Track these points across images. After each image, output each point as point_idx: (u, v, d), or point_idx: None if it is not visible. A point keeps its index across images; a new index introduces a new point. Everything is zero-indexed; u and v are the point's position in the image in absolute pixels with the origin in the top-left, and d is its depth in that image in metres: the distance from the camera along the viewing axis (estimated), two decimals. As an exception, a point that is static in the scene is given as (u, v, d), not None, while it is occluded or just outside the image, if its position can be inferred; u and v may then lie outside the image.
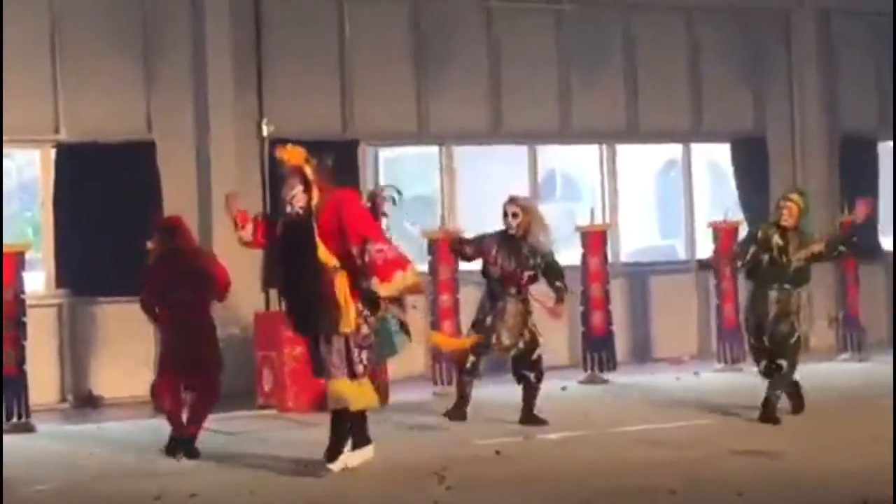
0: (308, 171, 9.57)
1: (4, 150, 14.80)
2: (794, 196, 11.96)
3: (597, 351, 15.52)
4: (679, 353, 17.32)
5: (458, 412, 12.06)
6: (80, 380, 14.85)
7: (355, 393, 9.71)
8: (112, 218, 14.61)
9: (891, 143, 18.60)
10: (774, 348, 11.72)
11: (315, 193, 9.55)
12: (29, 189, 15.83)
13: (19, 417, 12.80)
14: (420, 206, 17.57)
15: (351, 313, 9.55)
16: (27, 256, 13.26)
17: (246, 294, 15.26)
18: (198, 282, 10.93)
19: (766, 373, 11.82)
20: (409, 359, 14.98)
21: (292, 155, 9.63)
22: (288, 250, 9.71)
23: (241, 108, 15.51)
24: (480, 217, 17.42)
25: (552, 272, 12.04)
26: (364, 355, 9.71)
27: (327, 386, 9.79)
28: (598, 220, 16.30)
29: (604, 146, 17.90)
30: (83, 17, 15.07)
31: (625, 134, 17.96)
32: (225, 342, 14.98)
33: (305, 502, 9.18)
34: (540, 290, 12.23)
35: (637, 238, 18.65)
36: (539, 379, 12.10)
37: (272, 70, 15.82)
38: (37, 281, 14.55)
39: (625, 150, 18.09)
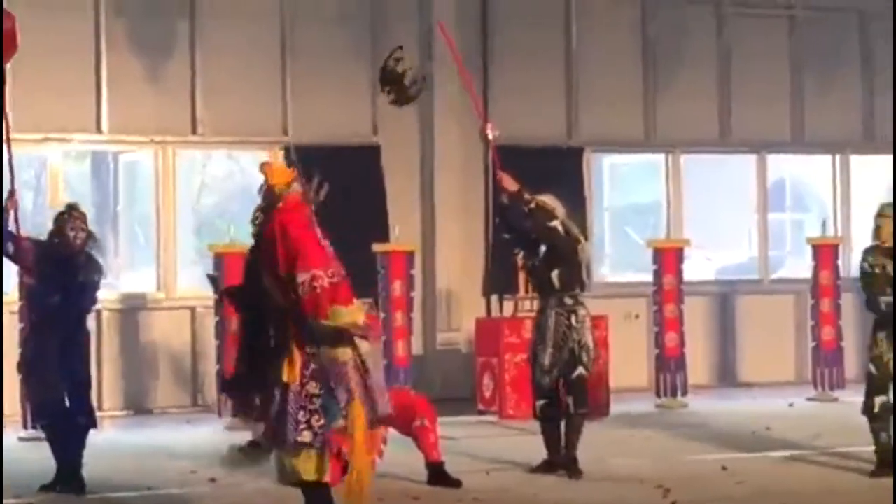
0: (278, 193, 7.82)
1: (232, 152, 14.97)
2: (885, 210, 10.04)
3: (827, 367, 15.00)
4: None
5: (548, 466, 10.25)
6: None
7: (304, 463, 7.60)
8: (336, 220, 14.64)
9: None
10: None
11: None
12: (251, 190, 16.02)
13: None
14: (645, 213, 17.28)
15: (296, 362, 7.54)
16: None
17: (467, 300, 15.24)
18: None
19: None
20: (631, 371, 14.84)
21: (276, 175, 7.98)
22: (244, 279, 7.98)
23: (467, 111, 15.41)
24: (707, 226, 17.16)
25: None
26: (312, 419, 7.52)
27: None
28: (830, 233, 15.75)
29: (837, 156, 17.34)
30: (313, 19, 15.19)
31: (860, 144, 17.37)
32: (446, 347, 15.25)
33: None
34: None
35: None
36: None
37: (497, 73, 15.74)
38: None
39: (858, 161, 17.48)
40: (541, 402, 10.27)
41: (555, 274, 10.15)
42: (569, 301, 10.17)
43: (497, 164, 10.56)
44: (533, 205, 10.10)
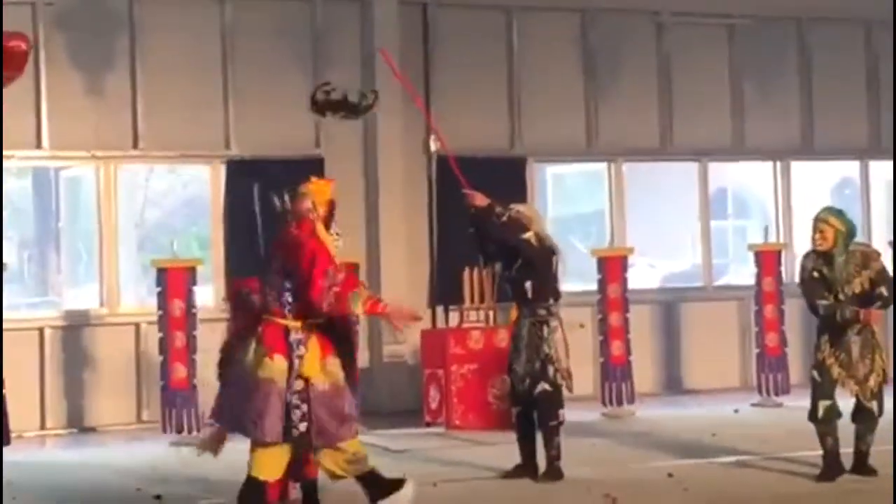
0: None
1: (173, 166, 14.95)
2: (824, 215, 10.02)
3: (772, 373, 15.10)
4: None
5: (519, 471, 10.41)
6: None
7: None
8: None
9: None
10: None
11: None
12: (194, 204, 16.00)
13: (189, 431, 12.84)
14: (588, 222, 17.33)
15: None
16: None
17: (413, 311, 15.26)
18: None
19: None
20: (577, 379, 14.86)
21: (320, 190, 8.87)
22: None
23: (409, 123, 15.46)
24: (650, 235, 17.26)
25: None
26: None
27: None
28: (772, 239, 15.88)
29: (778, 163, 17.50)
30: (254, 33, 15.17)
31: (800, 150, 17.53)
32: (392, 360, 15.25)
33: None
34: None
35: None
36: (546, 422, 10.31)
37: (440, 84, 15.77)
38: (205, 296, 14.65)
39: (799, 167, 17.65)
40: (516, 410, 10.39)
41: (528, 285, 10.23)
42: (542, 312, 10.26)
43: (463, 181, 10.52)
44: (505, 218, 10.14)
